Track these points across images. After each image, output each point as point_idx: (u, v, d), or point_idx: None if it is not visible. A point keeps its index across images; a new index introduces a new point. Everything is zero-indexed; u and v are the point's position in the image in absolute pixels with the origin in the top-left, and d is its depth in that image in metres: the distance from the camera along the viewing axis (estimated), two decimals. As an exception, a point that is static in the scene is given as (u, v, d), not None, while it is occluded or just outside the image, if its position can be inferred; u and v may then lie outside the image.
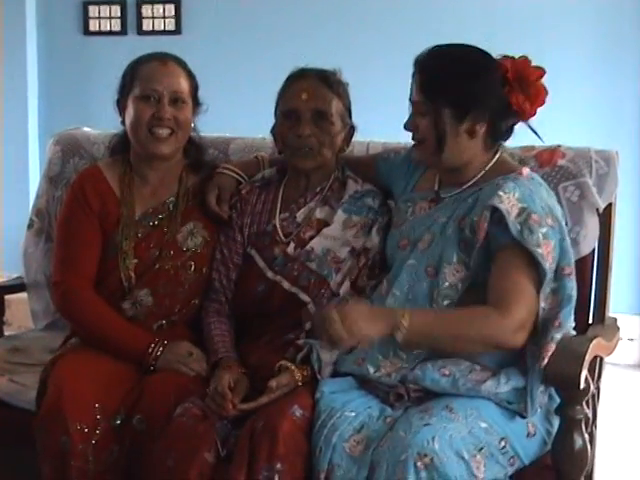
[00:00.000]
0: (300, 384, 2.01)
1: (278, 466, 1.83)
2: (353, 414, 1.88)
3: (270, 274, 2.21)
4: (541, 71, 2.04)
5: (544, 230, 1.91)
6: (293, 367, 2.02)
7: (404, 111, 2.09)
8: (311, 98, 2.20)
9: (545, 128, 2.09)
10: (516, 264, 1.91)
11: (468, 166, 2.04)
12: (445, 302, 1.97)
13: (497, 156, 2.06)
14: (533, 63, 2.04)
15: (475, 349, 1.90)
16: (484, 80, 2.00)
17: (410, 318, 1.83)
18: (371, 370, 1.99)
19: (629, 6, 4.16)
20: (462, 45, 2.05)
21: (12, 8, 4.66)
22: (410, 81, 2.05)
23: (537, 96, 2.02)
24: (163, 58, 2.32)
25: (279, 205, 2.29)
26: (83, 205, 2.30)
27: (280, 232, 2.25)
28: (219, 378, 2.01)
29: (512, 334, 1.88)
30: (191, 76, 2.34)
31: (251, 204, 2.31)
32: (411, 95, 2.04)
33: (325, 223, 2.24)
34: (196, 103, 2.35)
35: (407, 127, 2.06)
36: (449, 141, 1.99)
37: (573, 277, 1.97)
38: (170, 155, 2.31)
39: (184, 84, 2.30)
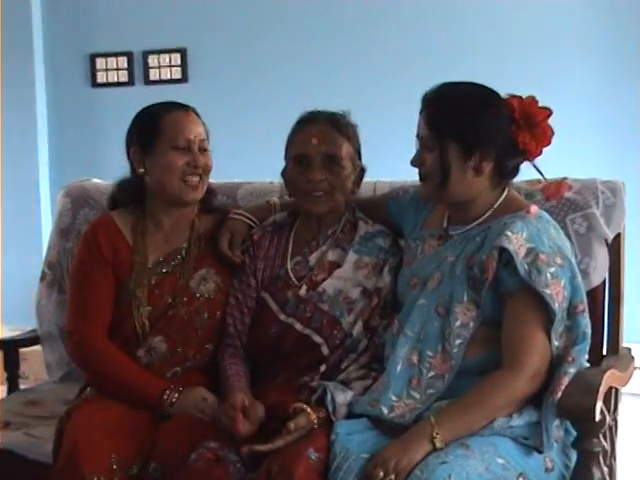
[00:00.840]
0: (316, 426, 2.00)
1: (295, 509, 1.82)
2: (368, 455, 1.87)
3: (283, 317, 2.22)
4: (548, 111, 2.05)
5: (552, 270, 1.92)
6: (309, 409, 2.02)
7: (410, 150, 2.10)
8: (322, 143, 2.21)
9: (550, 159, 2.11)
10: (525, 310, 1.92)
11: (475, 202, 2.05)
12: (457, 341, 1.97)
13: (505, 194, 2.07)
14: (536, 93, 2.06)
15: (508, 411, 1.90)
16: (491, 118, 2.01)
17: (440, 426, 1.85)
18: (385, 411, 1.99)
19: (634, 34, 4.18)
20: (470, 83, 2.07)
21: (21, 62, 4.73)
22: (418, 117, 2.06)
23: (543, 136, 2.04)
24: (184, 107, 2.35)
25: (291, 249, 2.30)
26: (96, 254, 2.31)
27: (292, 276, 2.25)
28: (234, 397, 2.01)
29: (529, 384, 1.90)
30: (204, 123, 2.37)
31: (264, 248, 2.32)
32: (418, 131, 2.06)
33: (337, 265, 2.25)
34: None
35: (414, 163, 2.07)
36: (454, 177, 2.00)
37: (586, 314, 1.97)
38: (197, 201, 2.35)
39: (203, 131, 2.34)
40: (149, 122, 2.33)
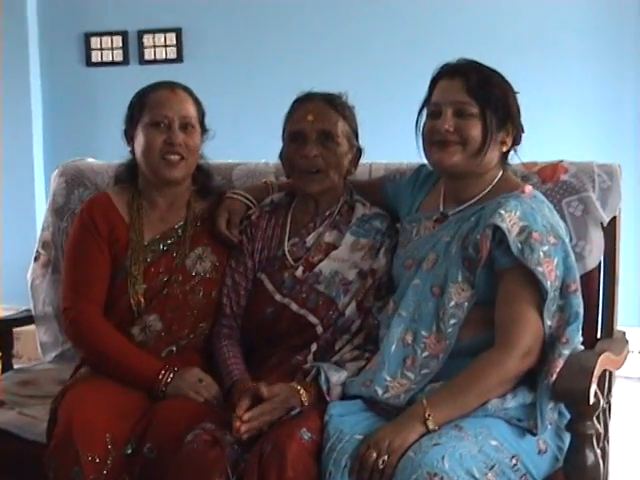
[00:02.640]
0: (306, 403, 2.01)
1: (287, 489, 1.83)
2: (362, 436, 1.87)
3: (279, 297, 2.22)
4: None
5: (545, 248, 1.92)
6: (299, 387, 2.02)
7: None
8: (317, 119, 2.22)
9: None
10: (518, 290, 1.93)
11: (480, 178, 2.06)
12: (452, 321, 1.98)
13: (501, 173, 2.08)
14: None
15: (500, 391, 1.90)
16: (515, 96, 2.07)
17: (432, 408, 1.85)
18: (379, 392, 1.99)
19: (630, 19, 4.18)
20: None
21: (15, 41, 4.72)
22: (440, 84, 2.05)
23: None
24: (171, 85, 2.34)
25: (288, 230, 2.30)
26: (92, 231, 2.31)
27: (289, 257, 2.26)
28: (239, 400, 1.99)
29: (520, 362, 1.90)
30: (198, 103, 2.36)
31: (261, 229, 2.32)
32: (444, 97, 2.03)
33: (333, 246, 2.25)
34: (203, 129, 2.37)
35: (445, 128, 2.01)
36: (491, 146, 2.02)
37: (579, 293, 1.97)
38: (181, 180, 2.34)
39: (192, 110, 2.32)
40: (137, 101, 2.34)
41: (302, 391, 2.02)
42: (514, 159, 2.13)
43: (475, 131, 2.01)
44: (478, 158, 2.02)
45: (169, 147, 2.27)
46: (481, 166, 2.04)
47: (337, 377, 2.06)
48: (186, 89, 2.36)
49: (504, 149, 2.06)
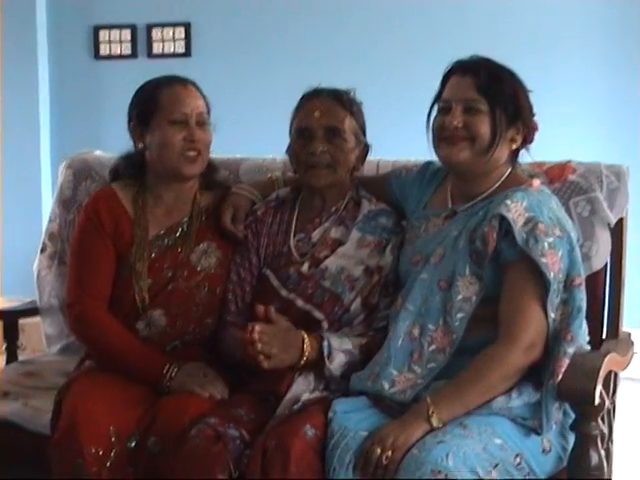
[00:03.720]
0: (306, 355, 2.04)
1: (290, 485, 1.83)
2: (366, 433, 1.88)
3: (284, 292, 2.22)
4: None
5: (550, 240, 1.92)
6: (305, 336, 2.06)
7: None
8: (324, 115, 2.22)
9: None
10: (522, 283, 1.93)
11: (488, 175, 2.06)
12: (459, 315, 1.98)
13: (509, 170, 2.08)
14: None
15: (505, 386, 1.91)
16: (526, 95, 2.07)
17: (435, 405, 1.86)
18: (386, 386, 2.00)
19: (638, 20, 4.17)
20: None
21: (23, 34, 4.73)
22: (451, 80, 2.06)
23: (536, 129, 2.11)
24: (183, 82, 2.34)
25: (294, 225, 2.30)
26: (97, 226, 2.31)
27: (295, 252, 2.26)
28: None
29: (523, 356, 1.90)
30: (204, 97, 2.36)
31: (267, 225, 2.32)
32: (454, 94, 2.04)
33: (340, 242, 2.25)
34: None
35: (455, 124, 2.02)
36: (500, 143, 2.02)
37: (583, 288, 1.97)
38: (197, 175, 2.34)
39: (204, 105, 2.33)
40: (148, 96, 2.33)
41: (307, 340, 2.05)
42: (526, 157, 2.13)
43: (484, 128, 2.01)
44: (487, 155, 2.02)
45: (189, 144, 2.27)
46: (489, 163, 2.04)
47: (339, 342, 2.09)
48: (195, 84, 2.36)
49: (513, 147, 2.07)
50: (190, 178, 2.34)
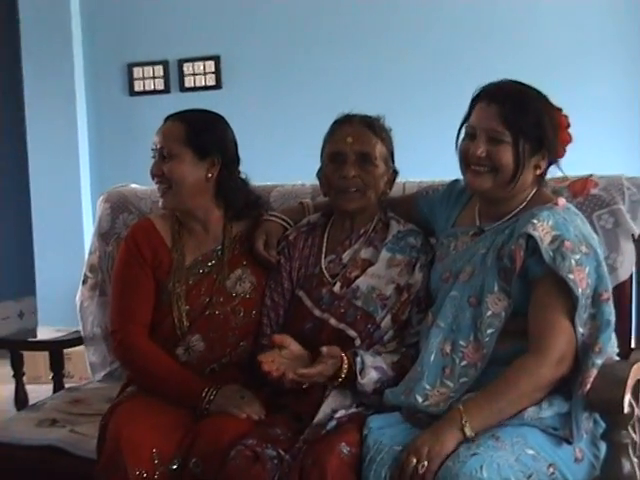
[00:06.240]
0: (342, 375, 2.08)
1: (327, 502, 1.86)
2: (400, 447, 1.91)
3: (317, 312, 2.27)
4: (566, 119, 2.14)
5: (577, 257, 1.95)
6: (342, 353, 2.09)
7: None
8: (356, 141, 2.27)
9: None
10: (550, 298, 1.95)
11: (514, 198, 2.09)
12: (489, 330, 2.01)
13: (535, 189, 2.11)
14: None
15: (535, 397, 1.93)
16: (553, 120, 2.08)
17: (468, 414, 1.88)
18: (419, 400, 2.02)
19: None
20: (527, 84, 2.11)
21: (62, 72, 4.82)
22: (477, 107, 2.07)
23: (565, 140, 2.13)
24: (172, 116, 2.41)
25: (325, 247, 2.35)
26: (137, 256, 2.38)
27: (326, 273, 2.30)
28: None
29: (554, 369, 1.92)
30: (189, 130, 2.39)
31: (298, 249, 2.37)
32: (479, 122, 2.06)
33: (370, 263, 2.29)
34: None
35: (478, 154, 2.05)
36: (524, 172, 2.05)
37: (611, 302, 1.99)
38: (177, 209, 2.42)
39: (172, 138, 2.38)
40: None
41: (345, 360, 2.09)
42: (556, 172, 2.16)
43: (506, 158, 2.03)
44: (510, 185, 2.05)
45: (153, 177, 2.39)
46: (514, 190, 2.07)
47: (372, 360, 2.12)
48: (179, 118, 2.41)
49: (537, 172, 2.08)
50: (172, 211, 2.40)
